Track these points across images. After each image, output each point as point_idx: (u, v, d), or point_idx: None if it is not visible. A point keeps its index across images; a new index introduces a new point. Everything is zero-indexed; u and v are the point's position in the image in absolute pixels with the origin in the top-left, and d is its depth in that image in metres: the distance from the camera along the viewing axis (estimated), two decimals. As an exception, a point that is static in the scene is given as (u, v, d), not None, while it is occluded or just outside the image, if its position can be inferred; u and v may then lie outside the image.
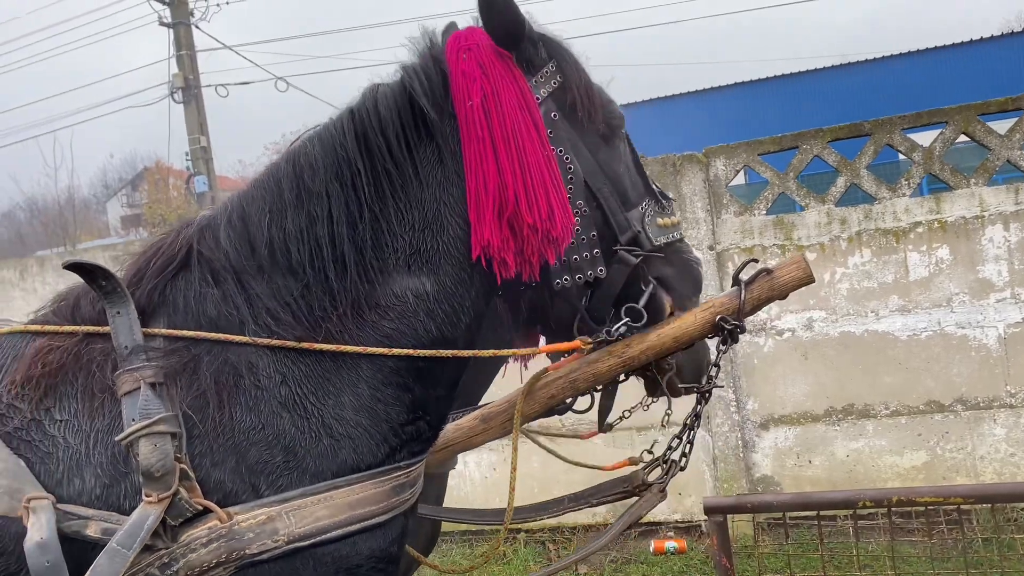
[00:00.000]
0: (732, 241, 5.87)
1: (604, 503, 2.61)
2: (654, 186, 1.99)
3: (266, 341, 1.59)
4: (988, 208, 5.45)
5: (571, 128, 1.82)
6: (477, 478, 6.46)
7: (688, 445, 2.39)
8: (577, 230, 1.80)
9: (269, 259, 1.66)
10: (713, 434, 5.96)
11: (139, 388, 1.49)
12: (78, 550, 1.45)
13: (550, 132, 1.77)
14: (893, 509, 4.10)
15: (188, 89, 20.25)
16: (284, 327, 1.62)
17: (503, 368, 2.73)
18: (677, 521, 6.11)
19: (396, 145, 1.71)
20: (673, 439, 2.42)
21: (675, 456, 2.46)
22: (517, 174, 1.69)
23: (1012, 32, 22.32)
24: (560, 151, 1.79)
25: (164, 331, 1.59)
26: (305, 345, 1.60)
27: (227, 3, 21.09)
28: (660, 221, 1.93)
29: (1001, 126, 5.59)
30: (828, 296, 5.72)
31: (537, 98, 1.77)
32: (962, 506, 4.06)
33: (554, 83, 1.81)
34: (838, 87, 21.60)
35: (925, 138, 5.78)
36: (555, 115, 1.80)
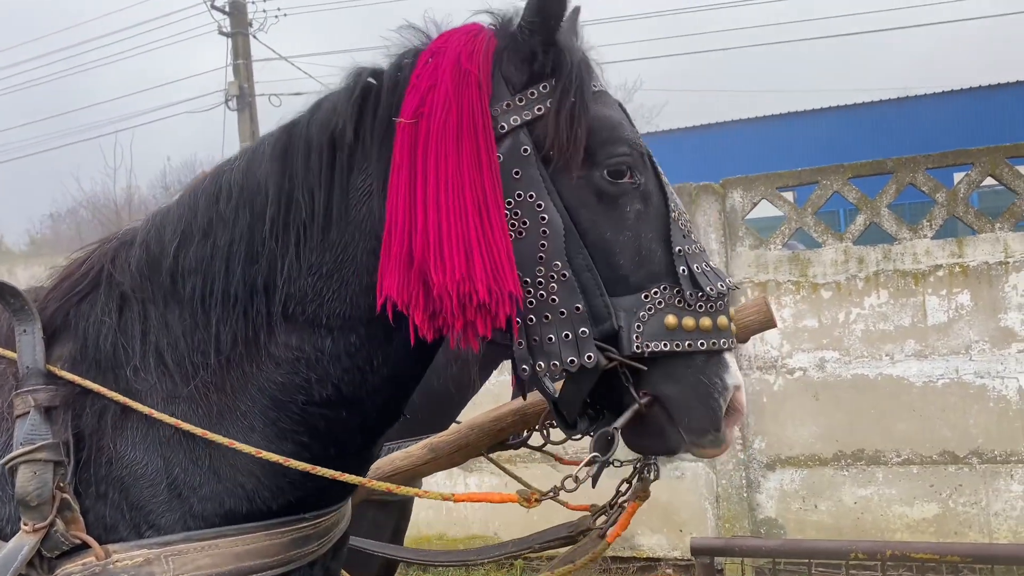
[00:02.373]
0: (746, 275, 5.75)
1: (546, 549, 2.54)
2: (690, 268, 1.45)
3: (124, 400, 1.48)
4: (1013, 254, 5.24)
5: (550, 171, 1.43)
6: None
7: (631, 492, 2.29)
8: (553, 300, 1.39)
9: (171, 288, 1.54)
10: (717, 472, 5.82)
11: (28, 413, 1.45)
12: None
13: (515, 171, 1.40)
14: (892, 563, 3.95)
15: (242, 97, 20.70)
16: (166, 369, 1.52)
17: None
18: (676, 558, 5.97)
19: (316, 172, 1.48)
20: (622, 483, 2.32)
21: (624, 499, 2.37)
22: (431, 215, 1.36)
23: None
24: (529, 196, 1.40)
25: (53, 369, 1.52)
26: (158, 415, 1.47)
27: (285, 15, 21.60)
28: (670, 320, 1.41)
29: (1031, 170, 5.39)
30: (842, 336, 5.56)
31: (503, 127, 1.41)
32: (960, 565, 3.90)
33: (539, 109, 1.42)
34: (891, 121, 21.13)
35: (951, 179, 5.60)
36: (526, 150, 1.41)
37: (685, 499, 5.92)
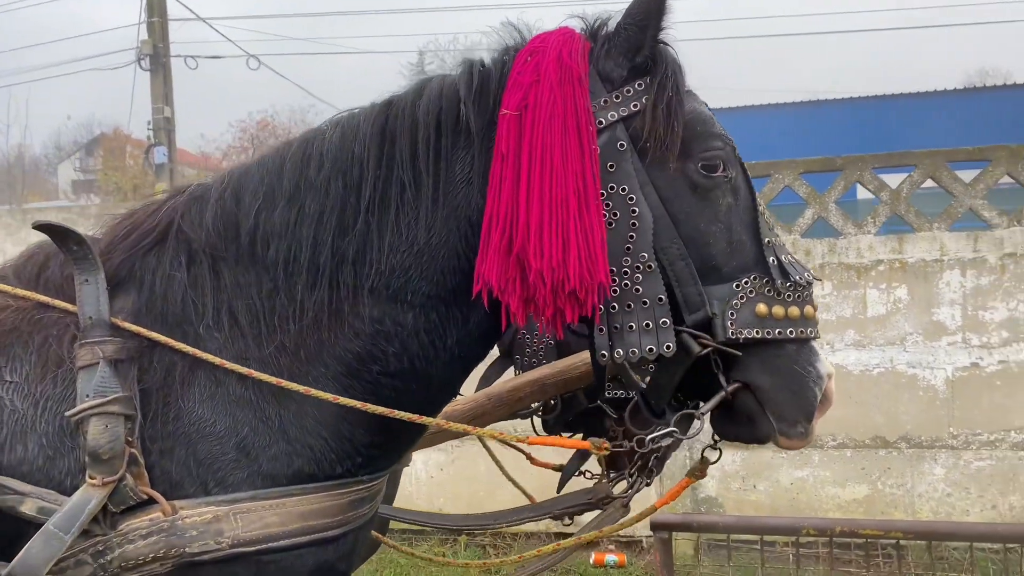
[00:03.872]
0: (698, 262, 5.93)
1: (566, 514, 2.58)
2: (778, 259, 1.50)
3: (203, 355, 1.47)
4: (948, 252, 5.58)
5: (646, 164, 1.47)
6: (423, 477, 6.40)
7: (657, 462, 2.34)
8: (637, 290, 1.43)
9: (248, 249, 1.54)
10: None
11: (98, 364, 1.41)
12: (11, 524, 1.38)
13: (610, 164, 1.45)
14: (835, 539, 4.17)
15: (156, 57, 19.80)
16: (239, 329, 1.51)
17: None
18: (619, 536, 6.12)
19: (423, 154, 1.51)
20: (638, 455, 2.37)
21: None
22: (534, 204, 1.40)
23: (976, 87, 23.01)
24: (622, 189, 1.44)
25: (118, 321, 1.48)
26: (238, 369, 1.47)
27: (205, -26, 20.73)
28: (761, 308, 1.45)
29: (967, 175, 5.74)
30: (787, 325, 5.80)
31: (601, 122, 1.46)
32: (901, 541, 4.15)
33: (635, 105, 1.47)
34: (807, 124, 22.03)
35: (894, 179, 5.91)
36: (622, 145, 1.46)
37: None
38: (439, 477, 6.32)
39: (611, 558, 5.82)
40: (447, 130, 1.52)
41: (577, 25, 1.56)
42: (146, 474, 1.41)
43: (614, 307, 1.45)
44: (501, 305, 1.45)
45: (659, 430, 1.57)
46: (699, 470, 1.73)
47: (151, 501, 1.40)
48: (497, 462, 2.69)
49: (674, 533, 4.84)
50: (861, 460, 5.71)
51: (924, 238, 5.62)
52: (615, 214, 1.44)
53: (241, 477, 1.46)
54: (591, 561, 5.84)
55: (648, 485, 2.45)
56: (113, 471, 1.37)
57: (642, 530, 5.71)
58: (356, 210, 1.51)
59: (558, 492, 2.58)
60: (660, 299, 1.44)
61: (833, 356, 5.72)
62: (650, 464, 2.43)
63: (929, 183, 5.74)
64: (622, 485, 2.46)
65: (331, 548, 1.54)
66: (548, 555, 2.31)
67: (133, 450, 1.39)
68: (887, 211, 5.72)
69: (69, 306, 1.50)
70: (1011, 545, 4.04)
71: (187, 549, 1.39)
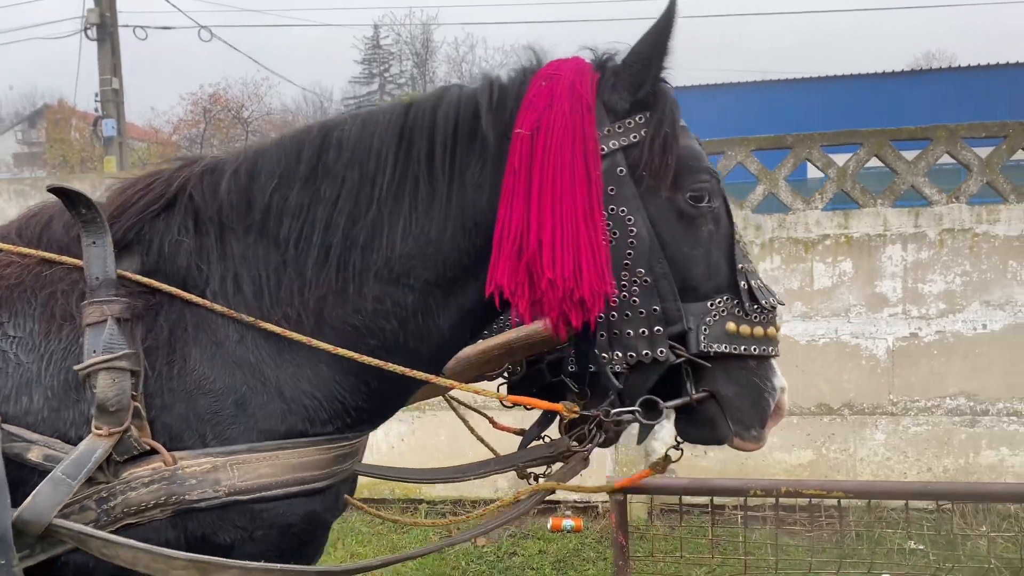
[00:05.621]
0: (653, 236, 6.08)
1: (529, 467, 2.69)
2: (749, 284, 1.69)
3: (219, 308, 1.57)
4: (890, 228, 5.82)
5: (641, 190, 1.62)
6: (384, 448, 6.49)
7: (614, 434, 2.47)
8: (634, 301, 1.61)
9: (260, 224, 1.63)
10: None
11: (106, 321, 1.49)
12: (16, 471, 1.43)
13: (611, 188, 1.59)
14: (781, 501, 4.38)
15: (104, 27, 19.26)
16: (243, 297, 1.60)
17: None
18: (575, 501, 6.30)
19: (439, 155, 1.63)
20: (601, 422, 2.49)
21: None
22: (546, 219, 1.53)
23: (922, 69, 23.59)
24: (621, 211, 1.59)
25: (128, 274, 1.57)
26: (247, 319, 1.57)
27: (153, -59, 20.19)
28: (731, 326, 1.64)
29: (910, 154, 5.97)
30: (738, 297, 6.00)
31: (603, 149, 1.59)
32: (841, 500, 4.38)
33: (635, 137, 1.62)
34: (761, 103, 22.40)
35: (843, 158, 6.11)
36: (622, 171, 1.60)
37: (607, 449, 6.24)
38: (400, 447, 6.43)
39: (568, 523, 5.99)
40: (463, 136, 1.63)
41: (588, 56, 1.70)
42: (148, 427, 1.49)
43: (614, 315, 1.62)
44: (511, 305, 1.58)
45: (624, 410, 1.73)
46: (661, 465, 1.95)
47: (153, 452, 1.48)
48: (465, 422, 2.79)
49: (631, 497, 5.03)
50: (807, 427, 5.96)
51: (868, 214, 5.85)
52: (615, 233, 1.59)
53: (238, 431, 1.55)
54: (548, 526, 6.01)
55: (604, 446, 2.58)
56: (119, 422, 1.44)
57: (597, 497, 5.89)
58: (370, 199, 1.62)
59: (519, 449, 2.69)
60: (655, 310, 1.62)
61: (782, 327, 5.95)
62: (609, 434, 2.56)
63: (874, 161, 5.95)
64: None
65: (319, 499, 1.65)
66: (509, 507, 2.41)
67: (137, 404, 1.47)
68: (834, 188, 5.93)
69: (76, 261, 1.57)
70: (944, 503, 4.30)
71: (186, 497, 1.48)
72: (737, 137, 6.01)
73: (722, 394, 1.67)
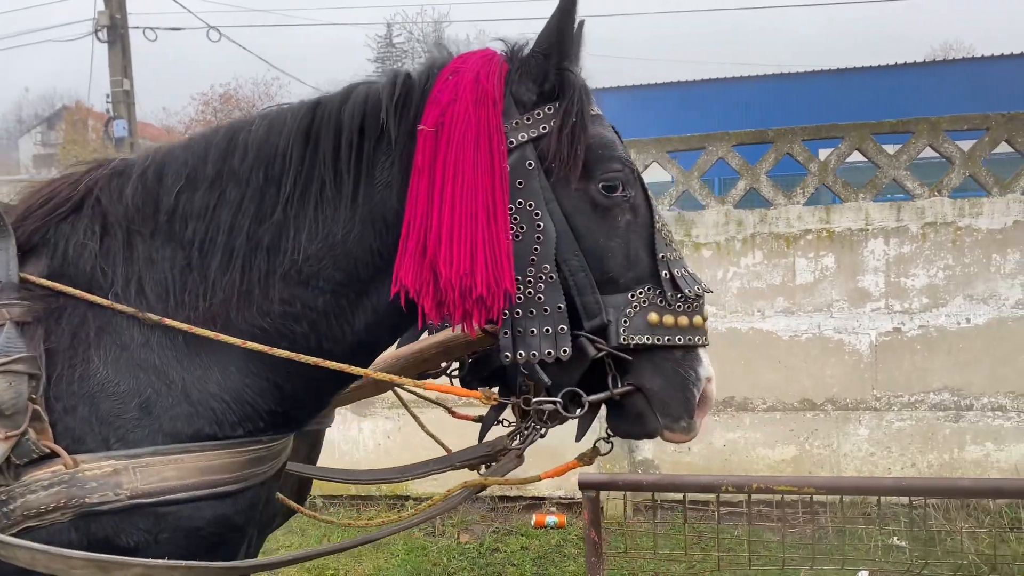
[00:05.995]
0: (635, 232, 6.07)
1: (466, 466, 2.71)
2: (671, 273, 1.64)
3: (105, 302, 1.56)
4: (872, 222, 5.78)
5: (552, 183, 1.59)
6: (371, 445, 6.55)
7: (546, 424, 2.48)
8: (539, 298, 1.57)
9: (166, 226, 1.63)
10: (600, 417, 6.17)
11: (4, 325, 1.50)
12: None
13: (519, 182, 1.56)
14: (757, 497, 4.37)
15: (114, 28, 19.42)
16: (146, 300, 1.60)
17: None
18: (560, 497, 6.33)
19: (345, 155, 1.61)
20: (534, 408, 2.50)
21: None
22: (445, 216, 1.52)
23: (935, 61, 23.30)
24: (528, 205, 1.57)
25: (30, 277, 1.58)
26: (152, 318, 1.56)
27: (162, -57, 20.35)
28: (653, 317, 1.60)
29: (892, 148, 5.93)
30: (720, 293, 5.98)
31: (512, 142, 1.57)
32: (815, 496, 4.37)
33: (543, 128, 1.59)
34: (771, 98, 22.22)
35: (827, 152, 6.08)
36: (531, 164, 1.58)
37: (570, 442, 6.24)
38: (386, 444, 6.48)
39: (551, 519, 6.01)
40: (370, 135, 1.61)
41: (499, 47, 1.67)
42: (49, 430, 1.50)
43: (518, 313, 1.58)
44: (417, 305, 1.56)
45: (545, 400, 1.69)
46: (588, 457, 1.90)
47: (54, 455, 1.49)
48: (414, 416, 2.81)
49: (610, 494, 5.02)
50: (790, 422, 5.94)
51: (850, 208, 5.81)
52: (522, 228, 1.56)
53: (142, 435, 1.55)
54: (532, 523, 6.03)
55: (542, 436, 2.58)
56: (16, 426, 1.45)
57: (581, 493, 5.89)
58: (275, 201, 1.61)
59: (479, 442, 2.71)
60: (559, 307, 1.57)
61: (764, 323, 5.93)
62: (539, 424, 2.56)
63: (856, 155, 5.92)
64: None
65: (229, 502, 1.63)
66: (440, 503, 2.44)
67: (36, 407, 1.48)
68: (815, 182, 5.90)
69: None
70: (918, 499, 4.28)
71: (87, 500, 1.49)
72: (717, 132, 5.99)
73: (647, 387, 1.62)
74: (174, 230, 1.64)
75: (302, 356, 1.61)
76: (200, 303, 1.62)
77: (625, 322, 1.59)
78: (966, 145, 5.73)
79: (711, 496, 5.44)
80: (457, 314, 1.55)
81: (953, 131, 5.74)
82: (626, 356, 1.61)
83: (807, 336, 5.89)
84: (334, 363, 1.63)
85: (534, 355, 1.58)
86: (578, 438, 1.88)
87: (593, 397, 1.66)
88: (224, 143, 1.67)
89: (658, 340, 1.61)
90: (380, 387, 2.51)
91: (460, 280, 1.51)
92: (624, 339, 1.59)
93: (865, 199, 5.81)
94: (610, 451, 1.87)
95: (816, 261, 5.85)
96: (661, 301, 1.62)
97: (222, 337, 1.58)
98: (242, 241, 1.61)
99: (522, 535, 5.91)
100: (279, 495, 2.35)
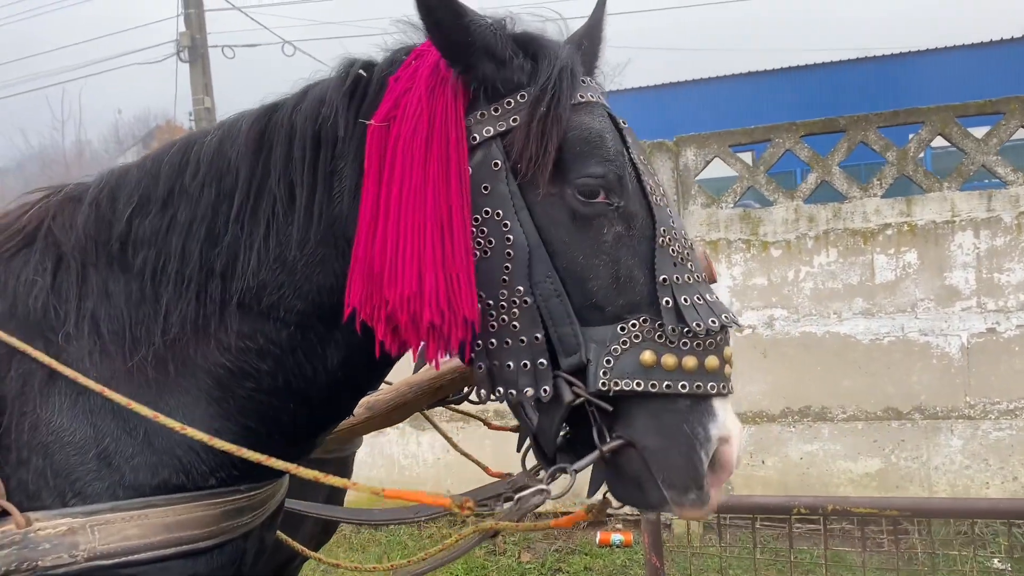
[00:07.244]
0: (697, 233, 5.74)
1: (486, 505, 2.51)
2: (675, 300, 1.30)
3: (50, 362, 1.40)
4: (959, 213, 5.29)
5: (522, 187, 1.32)
6: (430, 459, 6.40)
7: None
8: (514, 327, 1.29)
9: (119, 255, 1.47)
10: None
11: None
12: None
13: (484, 186, 1.30)
14: (836, 517, 4.01)
15: (194, 48, 20.08)
16: (100, 339, 1.45)
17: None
18: (627, 514, 6.03)
19: (298, 165, 1.39)
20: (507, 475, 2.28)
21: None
22: (391, 227, 1.28)
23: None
24: (496, 214, 1.30)
25: None
26: (84, 381, 1.39)
27: (238, -36, 20.92)
28: (647, 356, 1.27)
29: (980, 131, 5.42)
30: (791, 295, 5.60)
31: (475, 137, 1.32)
32: (899, 519, 3.98)
33: (513, 120, 1.32)
34: (852, 81, 21.25)
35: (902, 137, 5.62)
36: (497, 164, 1.31)
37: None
38: (445, 459, 6.32)
39: (617, 537, 5.74)
40: (327, 140, 1.39)
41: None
42: (1, 485, 1.37)
43: (492, 343, 1.31)
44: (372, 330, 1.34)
45: (531, 491, 1.41)
46: (596, 511, 1.51)
47: (5, 513, 1.36)
48: (448, 439, 2.63)
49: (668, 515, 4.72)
50: (873, 432, 5.50)
51: (934, 199, 5.34)
52: (490, 241, 1.30)
53: (101, 488, 1.40)
54: (597, 541, 5.76)
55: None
56: None
57: (648, 508, 5.62)
58: (226, 220, 1.42)
59: (518, 450, 2.51)
60: (537, 338, 1.28)
61: (840, 325, 5.52)
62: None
63: (939, 141, 5.44)
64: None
65: (202, 560, 1.47)
66: (451, 549, 2.25)
67: None
68: (894, 172, 5.45)
69: None
70: (1016, 522, 3.85)
71: (40, 563, 1.34)
72: (783, 123, 5.61)
73: (643, 445, 1.28)
74: (126, 259, 1.47)
75: (243, 451, 1.40)
76: (157, 339, 1.44)
77: (608, 361, 1.27)
78: (1065, 124, 5.18)
79: (784, 515, 5.10)
80: (413, 342, 1.31)
81: (1050, 110, 5.20)
82: (606, 406, 1.28)
83: (889, 339, 5.43)
84: (260, 456, 1.40)
85: (512, 393, 1.30)
86: (590, 494, 1.48)
87: (580, 463, 1.33)
88: (177, 158, 1.50)
89: (653, 386, 1.27)
90: (392, 418, 2.34)
91: (407, 304, 1.26)
92: (605, 383, 1.26)
93: (951, 188, 5.32)
94: (623, 506, 1.46)
95: (897, 258, 5.40)
96: (660, 336, 1.28)
97: (161, 418, 1.37)
98: (194, 267, 1.43)
99: (586, 554, 5.65)
100: (289, 540, 2.19)
